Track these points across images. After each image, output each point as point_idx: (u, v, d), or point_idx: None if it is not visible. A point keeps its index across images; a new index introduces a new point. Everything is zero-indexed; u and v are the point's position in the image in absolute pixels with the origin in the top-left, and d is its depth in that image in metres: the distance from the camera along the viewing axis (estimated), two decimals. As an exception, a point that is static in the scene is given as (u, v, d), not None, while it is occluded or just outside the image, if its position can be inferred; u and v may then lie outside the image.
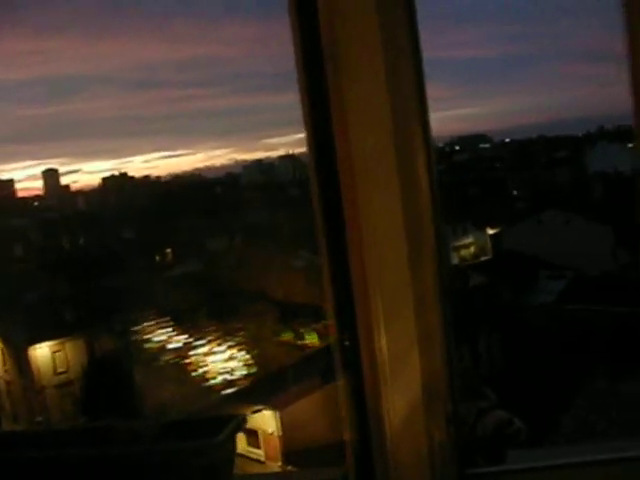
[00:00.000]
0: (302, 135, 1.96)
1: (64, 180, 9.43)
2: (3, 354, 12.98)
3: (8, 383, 12.83)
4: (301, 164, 7.82)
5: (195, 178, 9.45)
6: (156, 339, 9.23)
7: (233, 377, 8.03)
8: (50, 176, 9.17)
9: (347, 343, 1.92)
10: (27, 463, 2.01)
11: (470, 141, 12.08)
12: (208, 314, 8.71)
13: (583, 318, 9.85)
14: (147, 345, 9.65)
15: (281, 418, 8.10)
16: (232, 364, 8.17)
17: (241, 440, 6.21)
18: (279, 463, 8.43)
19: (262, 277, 8.28)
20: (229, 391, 8.15)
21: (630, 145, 9.29)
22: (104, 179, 9.58)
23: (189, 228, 9.51)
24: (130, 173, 9.44)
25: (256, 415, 7.13)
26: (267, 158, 9.29)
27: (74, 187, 9.70)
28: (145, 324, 9.18)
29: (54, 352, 9.49)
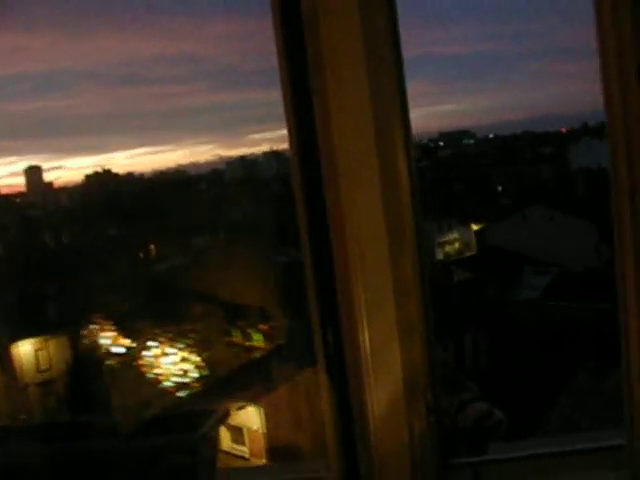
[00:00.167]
0: (286, 131, 1.96)
1: (47, 176, 9.42)
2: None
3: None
4: (284, 160, 7.83)
5: (180, 174, 9.44)
6: (104, 340, 9.19)
7: (186, 379, 7.96)
8: (33, 173, 9.13)
9: (330, 337, 1.95)
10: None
11: (454, 137, 12.09)
12: (160, 315, 8.67)
13: (567, 313, 9.91)
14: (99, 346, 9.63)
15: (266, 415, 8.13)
16: (184, 366, 8.11)
17: (225, 437, 6.16)
18: (263, 460, 8.44)
19: (214, 277, 8.22)
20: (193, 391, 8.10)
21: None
22: (87, 176, 9.55)
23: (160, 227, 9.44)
24: (114, 169, 9.46)
25: (241, 412, 7.12)
26: (251, 154, 9.29)
27: (57, 183, 9.68)
28: (95, 324, 9.13)
29: (37, 350, 9.46)
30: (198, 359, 7.78)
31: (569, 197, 11.95)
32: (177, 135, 8.21)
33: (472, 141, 12.20)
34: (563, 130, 12.05)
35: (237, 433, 7.59)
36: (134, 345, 8.20)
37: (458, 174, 12.20)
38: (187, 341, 8.00)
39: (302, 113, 1.92)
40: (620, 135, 1.52)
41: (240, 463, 7.10)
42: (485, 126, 12.21)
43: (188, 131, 7.98)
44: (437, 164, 11.95)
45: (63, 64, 6.83)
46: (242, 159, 8.75)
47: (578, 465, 1.95)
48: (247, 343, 7.93)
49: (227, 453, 6.70)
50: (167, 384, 7.77)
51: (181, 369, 7.79)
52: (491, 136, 12.42)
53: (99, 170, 9.01)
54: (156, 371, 7.99)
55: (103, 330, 8.51)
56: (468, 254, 11.28)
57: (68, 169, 9.36)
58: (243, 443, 8.05)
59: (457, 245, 11.17)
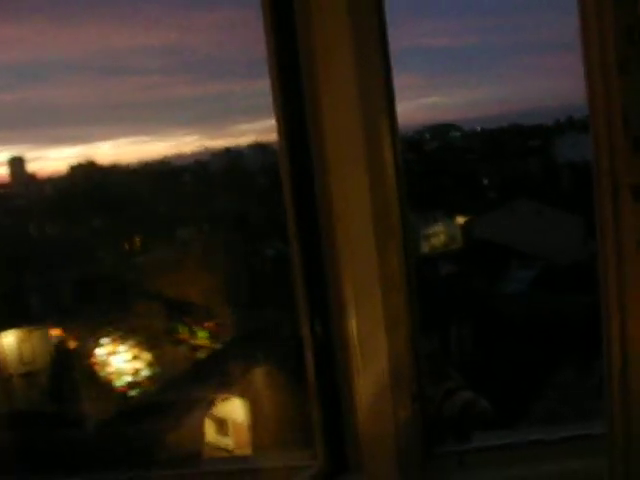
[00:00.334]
0: (271, 122, 1.97)
1: (31, 167, 9.35)
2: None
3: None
4: (270, 151, 7.79)
5: (164, 165, 9.39)
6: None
7: (137, 378, 7.85)
8: (16, 164, 9.06)
9: (318, 328, 1.97)
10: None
11: (441, 130, 12.10)
12: (110, 311, 8.58)
13: (554, 307, 9.95)
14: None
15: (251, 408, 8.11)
16: (135, 364, 8.01)
17: (210, 429, 6.15)
18: (248, 452, 8.43)
19: (164, 275, 8.11)
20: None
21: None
22: (72, 167, 9.48)
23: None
24: (98, 160, 9.38)
25: (225, 403, 7.12)
26: (237, 146, 9.24)
27: (41, 174, 9.61)
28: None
29: (20, 341, 9.43)
30: (149, 356, 7.67)
31: (556, 190, 12.00)
32: (161, 126, 8.17)
33: (459, 134, 12.22)
34: (549, 123, 12.09)
35: (221, 425, 7.59)
36: (83, 343, 8.12)
37: (444, 167, 12.21)
38: (138, 338, 7.89)
39: (291, 100, 1.93)
40: (602, 129, 1.52)
41: (224, 455, 7.10)
42: (472, 119, 12.23)
43: (172, 122, 7.94)
44: (423, 157, 11.96)
45: (46, 54, 6.78)
46: (227, 150, 8.72)
47: (562, 453, 1.97)
48: (192, 341, 7.84)
49: (211, 445, 6.71)
50: (119, 383, 7.65)
51: (133, 367, 7.68)
52: (478, 129, 12.45)
53: (82, 161, 8.95)
54: (108, 369, 7.87)
55: (55, 325, 8.42)
56: (454, 247, 11.31)
57: (52, 159, 9.29)
58: (227, 435, 8.05)
59: (443, 238, 11.19)
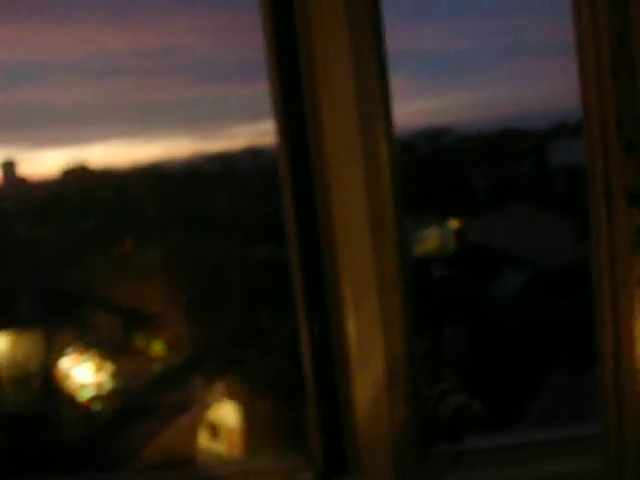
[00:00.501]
0: (266, 126, 1.98)
1: (22, 169, 9.33)
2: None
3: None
4: (264, 155, 7.80)
5: (156, 169, 9.35)
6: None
7: (101, 392, 7.75)
8: (7, 168, 9.05)
9: (316, 330, 2.06)
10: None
11: (434, 133, 12.11)
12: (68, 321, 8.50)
13: (546, 310, 9.98)
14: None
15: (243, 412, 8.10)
16: (97, 378, 7.91)
17: (202, 434, 6.13)
18: (241, 457, 8.43)
19: (109, 281, 8.02)
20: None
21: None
22: (64, 171, 9.45)
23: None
24: (90, 163, 9.35)
25: (217, 409, 7.11)
26: (230, 149, 9.24)
27: (32, 176, 9.59)
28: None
29: (11, 344, 9.42)
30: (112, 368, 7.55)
31: (548, 194, 12.03)
32: (154, 129, 8.17)
33: (452, 138, 12.24)
34: (543, 127, 12.12)
35: (214, 430, 7.58)
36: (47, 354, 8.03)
37: (438, 170, 12.23)
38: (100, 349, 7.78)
39: (290, 101, 2.00)
40: (596, 131, 1.54)
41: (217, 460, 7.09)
42: (465, 122, 12.25)
43: (165, 125, 7.94)
44: (416, 160, 11.98)
45: (39, 56, 6.77)
46: (220, 154, 8.73)
47: (556, 454, 1.99)
48: (149, 352, 7.74)
49: (204, 450, 6.70)
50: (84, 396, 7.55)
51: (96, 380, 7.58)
52: (472, 132, 12.47)
53: (74, 164, 8.95)
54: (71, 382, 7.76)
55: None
56: (447, 250, 11.33)
57: (42, 161, 9.28)
58: (220, 441, 8.03)
59: (436, 241, 11.21)
